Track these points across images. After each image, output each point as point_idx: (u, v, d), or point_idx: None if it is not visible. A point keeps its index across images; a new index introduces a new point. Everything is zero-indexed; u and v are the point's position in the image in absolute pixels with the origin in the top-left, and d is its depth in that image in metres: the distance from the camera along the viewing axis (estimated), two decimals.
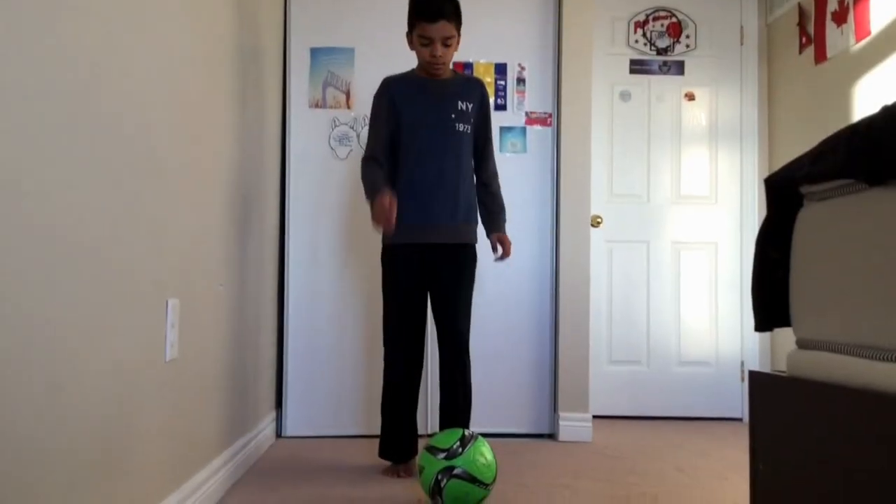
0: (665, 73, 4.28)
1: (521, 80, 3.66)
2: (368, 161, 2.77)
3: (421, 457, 2.37)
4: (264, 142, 3.14)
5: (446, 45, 2.69)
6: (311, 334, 3.52)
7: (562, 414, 3.51)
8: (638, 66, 4.29)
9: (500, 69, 3.66)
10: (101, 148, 1.46)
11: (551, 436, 3.57)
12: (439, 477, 2.27)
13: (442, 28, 2.65)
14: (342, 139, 3.56)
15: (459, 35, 2.75)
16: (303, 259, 3.54)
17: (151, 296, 1.77)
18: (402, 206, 2.70)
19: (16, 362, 1.16)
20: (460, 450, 2.30)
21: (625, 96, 4.28)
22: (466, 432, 2.40)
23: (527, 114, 3.65)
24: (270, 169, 3.30)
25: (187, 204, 2.04)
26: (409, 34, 2.75)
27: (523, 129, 3.64)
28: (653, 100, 4.28)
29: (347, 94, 3.57)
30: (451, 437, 2.36)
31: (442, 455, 2.30)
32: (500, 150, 3.61)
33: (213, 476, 2.30)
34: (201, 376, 2.21)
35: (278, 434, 3.49)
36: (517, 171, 3.62)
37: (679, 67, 4.29)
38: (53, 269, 1.27)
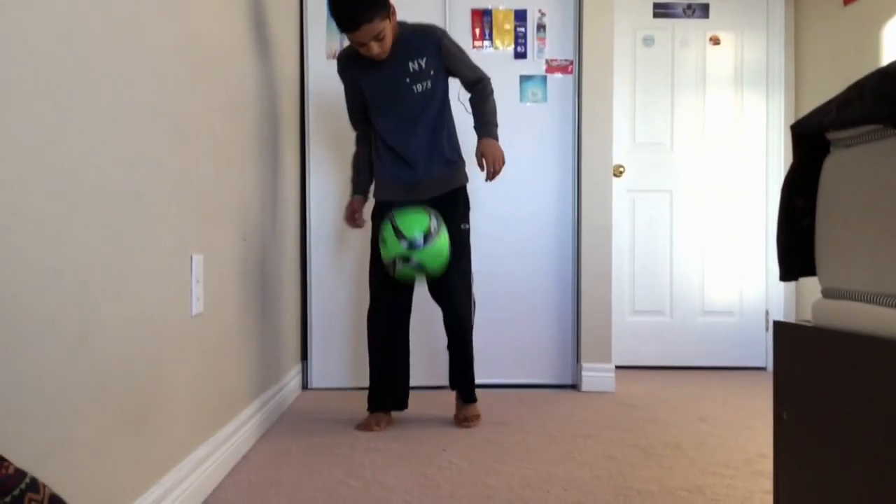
0: (689, 17, 4.18)
1: (541, 27, 3.59)
2: (357, 136, 2.93)
3: (385, 229, 2.58)
4: (283, 93, 3.12)
5: (379, 39, 2.59)
6: (334, 287, 3.55)
7: (584, 364, 3.52)
8: (661, 10, 4.19)
9: (520, 16, 3.59)
10: (117, 103, 1.45)
11: (574, 386, 3.59)
12: (396, 261, 2.55)
13: (365, 32, 2.54)
14: None
15: (390, 16, 2.60)
16: (324, 210, 3.55)
17: (175, 251, 1.78)
18: (383, 165, 2.82)
19: (43, 315, 1.17)
20: (422, 244, 2.51)
21: (648, 41, 4.19)
22: (432, 224, 2.54)
23: (547, 62, 3.59)
24: (290, 120, 3.29)
25: (208, 158, 2.04)
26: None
27: (544, 78, 3.59)
28: (677, 44, 4.19)
29: None
30: (417, 226, 2.53)
31: (405, 243, 2.52)
32: (521, 100, 3.57)
33: (241, 428, 2.34)
34: (227, 330, 2.24)
35: (304, 386, 3.54)
36: (538, 121, 3.58)
37: (704, 10, 4.18)
38: (77, 225, 1.28)
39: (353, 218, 2.90)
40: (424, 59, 2.71)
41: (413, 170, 2.77)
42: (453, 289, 2.80)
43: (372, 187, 2.92)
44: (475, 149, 2.75)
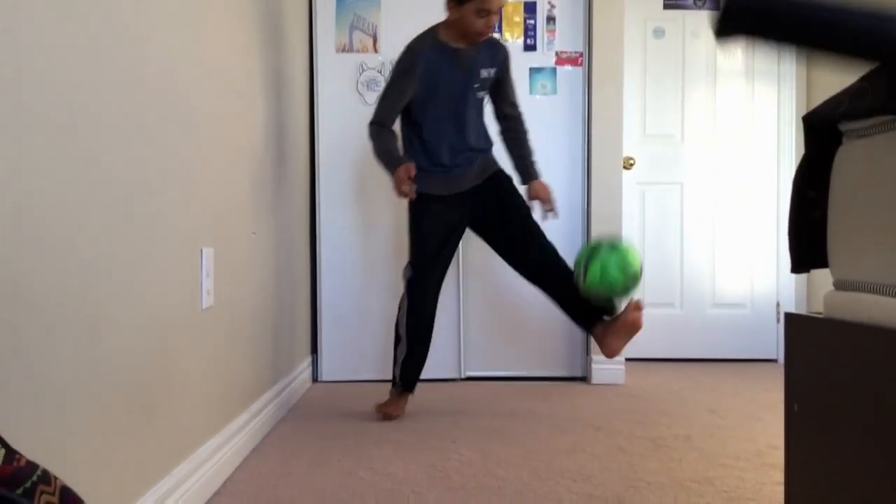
0: (700, 8, 4.16)
1: (550, 19, 3.58)
2: (381, 128, 2.73)
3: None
4: (292, 87, 3.13)
5: (497, 13, 2.66)
6: (342, 280, 3.56)
7: (594, 357, 3.52)
8: (672, 1, 4.17)
9: (530, 8, 3.58)
10: (128, 98, 1.46)
11: (584, 379, 3.58)
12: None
13: None
14: (370, 84, 3.53)
15: None
16: (333, 205, 3.55)
17: (186, 245, 1.79)
18: (427, 163, 2.76)
19: (53, 309, 1.18)
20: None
21: (658, 33, 4.17)
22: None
23: (557, 54, 3.57)
24: (299, 115, 3.29)
25: (218, 152, 2.04)
26: (459, 5, 2.62)
27: (553, 70, 3.57)
28: (687, 36, 4.17)
29: (374, 38, 3.53)
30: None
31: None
32: (530, 92, 3.57)
33: (252, 420, 2.36)
34: (238, 323, 2.25)
35: (314, 379, 3.55)
36: (547, 114, 3.57)
37: (714, 1, 4.16)
38: (87, 220, 1.29)
39: (409, 183, 2.65)
40: (492, 71, 2.78)
41: (458, 167, 2.80)
42: (549, 245, 2.81)
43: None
44: (528, 190, 2.87)
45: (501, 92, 2.88)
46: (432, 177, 2.77)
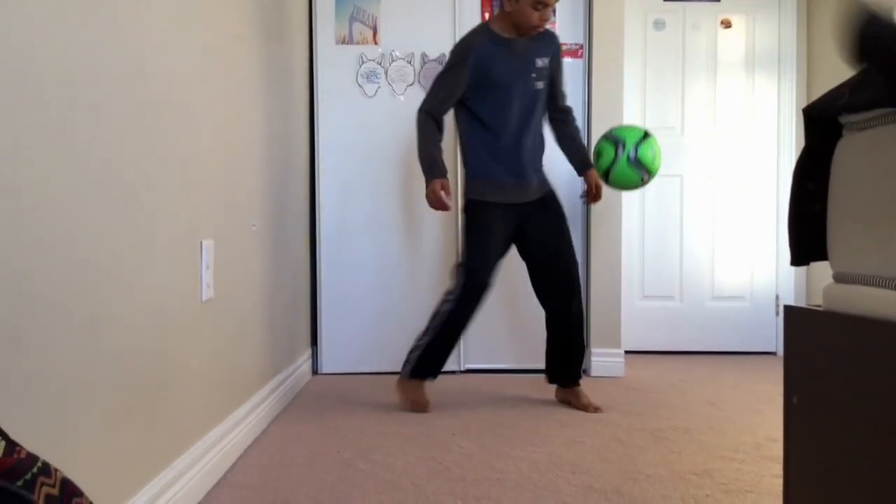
0: (701, 0, 4.14)
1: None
2: (428, 117, 2.73)
3: (601, 145, 2.79)
4: (292, 80, 3.12)
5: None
6: (343, 273, 3.55)
7: (594, 350, 3.52)
8: None
9: None
10: (127, 92, 1.45)
11: (584, 371, 3.58)
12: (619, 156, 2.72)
13: None
14: (370, 76, 3.52)
15: None
16: (333, 197, 3.55)
17: (186, 238, 1.79)
18: (486, 164, 2.77)
19: (54, 302, 1.18)
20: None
21: (658, 25, 4.15)
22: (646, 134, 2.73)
23: None
24: (299, 107, 3.29)
25: (218, 146, 2.04)
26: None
27: None
28: (688, 28, 4.16)
29: (374, 30, 3.52)
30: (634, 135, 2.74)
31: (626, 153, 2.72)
32: None
33: (252, 411, 2.36)
34: (238, 316, 2.25)
35: (314, 371, 3.55)
36: None
37: None
38: (87, 213, 1.29)
39: (442, 203, 2.70)
40: (547, 60, 2.81)
41: (521, 170, 2.80)
42: (577, 280, 2.86)
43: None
44: (586, 179, 2.97)
45: (556, 84, 2.90)
46: (489, 184, 2.78)
